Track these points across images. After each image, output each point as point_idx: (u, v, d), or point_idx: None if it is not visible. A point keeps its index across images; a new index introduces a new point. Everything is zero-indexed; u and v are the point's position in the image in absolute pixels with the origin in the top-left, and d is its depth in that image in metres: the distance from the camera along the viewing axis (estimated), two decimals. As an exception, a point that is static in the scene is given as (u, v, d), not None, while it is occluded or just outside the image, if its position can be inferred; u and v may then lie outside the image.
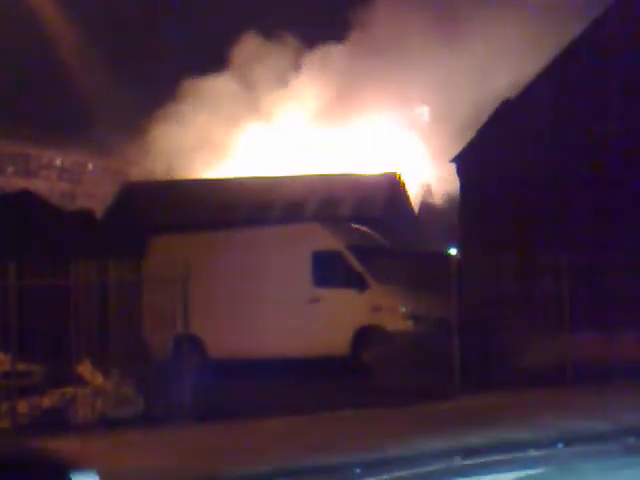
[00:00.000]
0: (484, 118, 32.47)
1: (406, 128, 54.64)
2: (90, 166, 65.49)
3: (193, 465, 10.82)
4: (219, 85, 55.41)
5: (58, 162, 64.65)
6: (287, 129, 55.36)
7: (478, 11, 52.11)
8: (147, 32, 57.85)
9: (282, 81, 55.19)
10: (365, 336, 18.45)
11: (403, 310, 18.44)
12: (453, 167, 32.66)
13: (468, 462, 10.93)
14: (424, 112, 54.70)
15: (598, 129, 28.94)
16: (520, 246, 24.74)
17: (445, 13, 53.50)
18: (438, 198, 51.13)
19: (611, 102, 28.92)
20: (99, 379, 14.08)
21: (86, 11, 54.77)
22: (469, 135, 32.89)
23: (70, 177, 64.39)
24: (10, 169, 61.21)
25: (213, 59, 55.31)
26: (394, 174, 49.38)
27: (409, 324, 18.04)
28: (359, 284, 18.96)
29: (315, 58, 55.45)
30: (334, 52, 55.57)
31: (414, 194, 51.12)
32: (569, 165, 29.25)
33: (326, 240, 19.64)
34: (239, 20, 54.59)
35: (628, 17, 29.22)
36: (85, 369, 14.14)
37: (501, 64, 49.14)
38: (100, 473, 5.79)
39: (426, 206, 51.81)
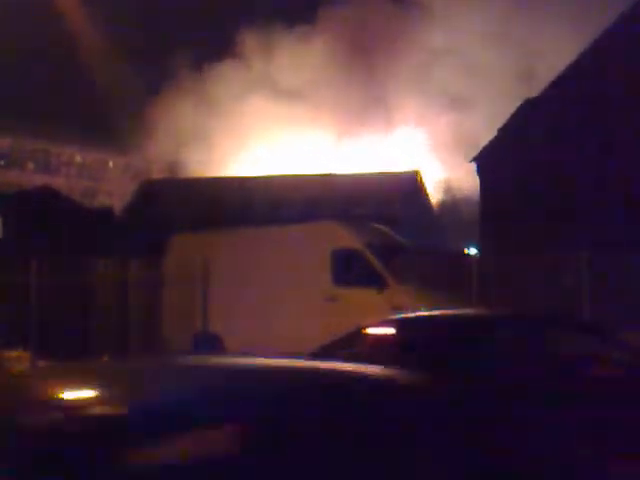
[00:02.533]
0: (505, 117, 32.39)
1: (426, 126, 54.56)
2: (110, 163, 65.73)
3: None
4: (239, 83, 55.50)
5: (79, 159, 64.91)
6: (308, 129, 55.39)
7: (497, 8, 51.96)
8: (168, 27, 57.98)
9: (302, 81, 55.23)
10: (384, 335, 18.40)
11: (422, 309, 18.38)
12: (473, 166, 32.59)
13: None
14: (444, 111, 54.57)
15: (622, 128, 28.80)
16: (541, 245, 24.66)
17: (462, 10, 53.41)
18: (458, 197, 51.04)
19: (635, 102, 28.75)
20: (118, 376, 14.11)
21: (105, 8, 55.00)
22: (490, 134, 32.81)
23: (90, 174, 64.64)
24: (31, 166, 61.48)
25: (230, 54, 55.42)
26: (413, 173, 49.30)
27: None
28: (378, 283, 18.90)
29: (334, 56, 55.43)
30: (352, 51, 55.54)
31: (433, 193, 51.07)
32: (591, 164, 29.13)
33: (345, 239, 19.60)
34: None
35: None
36: (104, 366, 14.17)
37: (522, 61, 48.99)
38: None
39: (445, 205, 51.71)
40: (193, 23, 56.90)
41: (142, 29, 57.97)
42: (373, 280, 18.91)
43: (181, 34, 55.77)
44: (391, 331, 7.65)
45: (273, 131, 55.71)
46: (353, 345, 7.80)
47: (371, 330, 7.85)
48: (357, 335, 7.99)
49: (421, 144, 54.00)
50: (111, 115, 55.71)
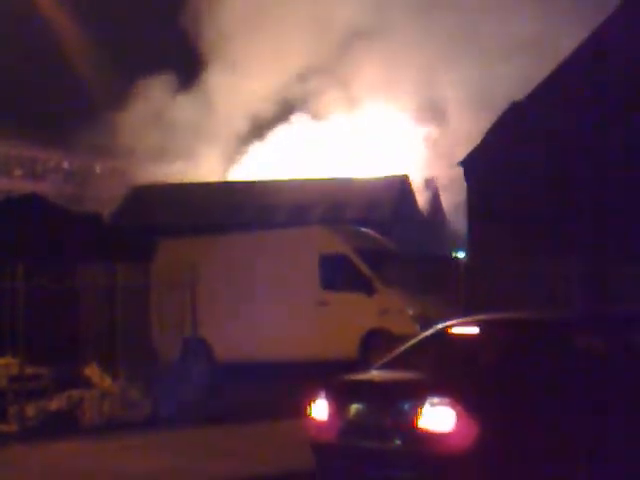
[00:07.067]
0: (492, 120, 32.47)
1: (414, 130, 54.59)
2: (97, 169, 65.57)
3: (200, 468, 10.81)
4: (222, 88, 55.39)
5: (65, 165, 64.76)
6: (295, 132, 55.38)
7: (491, 12, 52.10)
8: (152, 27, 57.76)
9: (289, 84, 55.17)
10: (373, 339, 18.43)
11: (410, 313, 18.42)
12: (461, 170, 32.65)
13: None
14: (431, 114, 54.65)
15: (605, 131, 28.91)
16: (528, 248, 24.75)
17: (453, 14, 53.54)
18: (445, 200, 51.11)
19: (618, 105, 28.87)
20: (107, 382, 14.09)
21: (90, 10, 54.92)
22: (477, 137, 32.90)
23: (77, 180, 64.46)
24: (17, 172, 61.28)
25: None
26: (401, 177, 49.36)
27: (416, 327, 18.00)
28: (367, 287, 18.94)
29: (324, 61, 55.37)
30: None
31: (421, 197, 51.12)
32: (577, 167, 29.22)
33: (333, 243, 19.63)
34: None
35: (635, 19, 29.19)
36: (93, 372, 14.15)
37: (509, 65, 49.12)
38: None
39: (433, 209, 51.77)
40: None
41: (129, 31, 57.73)
42: (362, 284, 18.95)
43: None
44: (475, 331, 8.99)
45: (261, 137, 55.70)
46: (438, 344, 9.09)
47: (456, 330, 9.13)
48: (441, 335, 9.20)
49: (410, 148, 54.05)
50: (96, 119, 55.37)
